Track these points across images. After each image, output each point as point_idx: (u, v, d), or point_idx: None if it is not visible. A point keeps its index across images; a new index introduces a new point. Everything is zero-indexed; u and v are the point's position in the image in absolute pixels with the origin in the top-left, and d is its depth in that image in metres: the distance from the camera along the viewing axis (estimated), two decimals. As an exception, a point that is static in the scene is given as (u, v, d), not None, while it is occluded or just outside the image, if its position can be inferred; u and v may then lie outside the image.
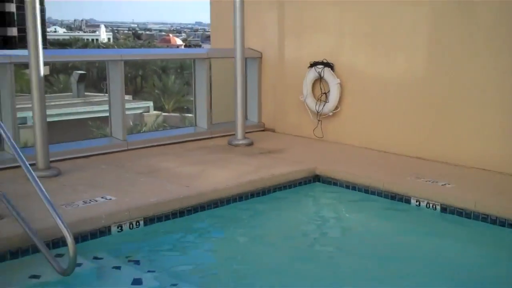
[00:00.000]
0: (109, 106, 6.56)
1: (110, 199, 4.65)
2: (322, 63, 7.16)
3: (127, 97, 31.78)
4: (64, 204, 4.44)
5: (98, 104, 29.65)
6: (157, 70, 42.65)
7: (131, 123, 25.15)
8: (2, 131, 4.14)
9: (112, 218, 4.33)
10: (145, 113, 30.55)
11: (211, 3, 8.78)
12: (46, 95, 5.31)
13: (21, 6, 51.78)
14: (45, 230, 3.95)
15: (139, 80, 45.72)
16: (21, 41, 51.36)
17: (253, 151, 6.66)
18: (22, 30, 51.65)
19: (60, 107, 26.68)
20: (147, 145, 6.66)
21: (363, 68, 6.92)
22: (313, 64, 7.24)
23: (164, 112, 33.60)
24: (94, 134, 24.29)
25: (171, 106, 35.99)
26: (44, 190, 3.74)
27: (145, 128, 24.93)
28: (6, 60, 5.56)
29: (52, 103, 25.65)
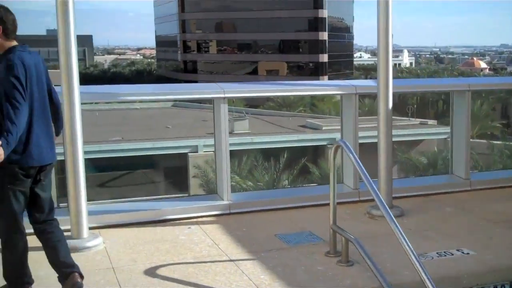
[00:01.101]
0: (451, 140, 5.94)
1: (468, 253, 4.00)
2: None
3: (431, 121, 31.01)
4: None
5: (402, 128, 29.40)
6: (461, 94, 40.72)
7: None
8: (357, 165, 3.78)
9: (474, 278, 3.69)
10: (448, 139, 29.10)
11: None
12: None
13: (332, 34, 54.53)
14: (400, 285, 3.50)
15: (440, 104, 44.28)
16: (329, 67, 54.03)
17: None
18: (332, 57, 54.30)
19: (369, 129, 27.01)
20: (492, 185, 5.83)
21: None
22: None
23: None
24: (398, 158, 23.94)
25: (475, 131, 33.99)
26: (405, 237, 3.29)
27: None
28: (353, 90, 5.37)
29: (362, 125, 26.05)
